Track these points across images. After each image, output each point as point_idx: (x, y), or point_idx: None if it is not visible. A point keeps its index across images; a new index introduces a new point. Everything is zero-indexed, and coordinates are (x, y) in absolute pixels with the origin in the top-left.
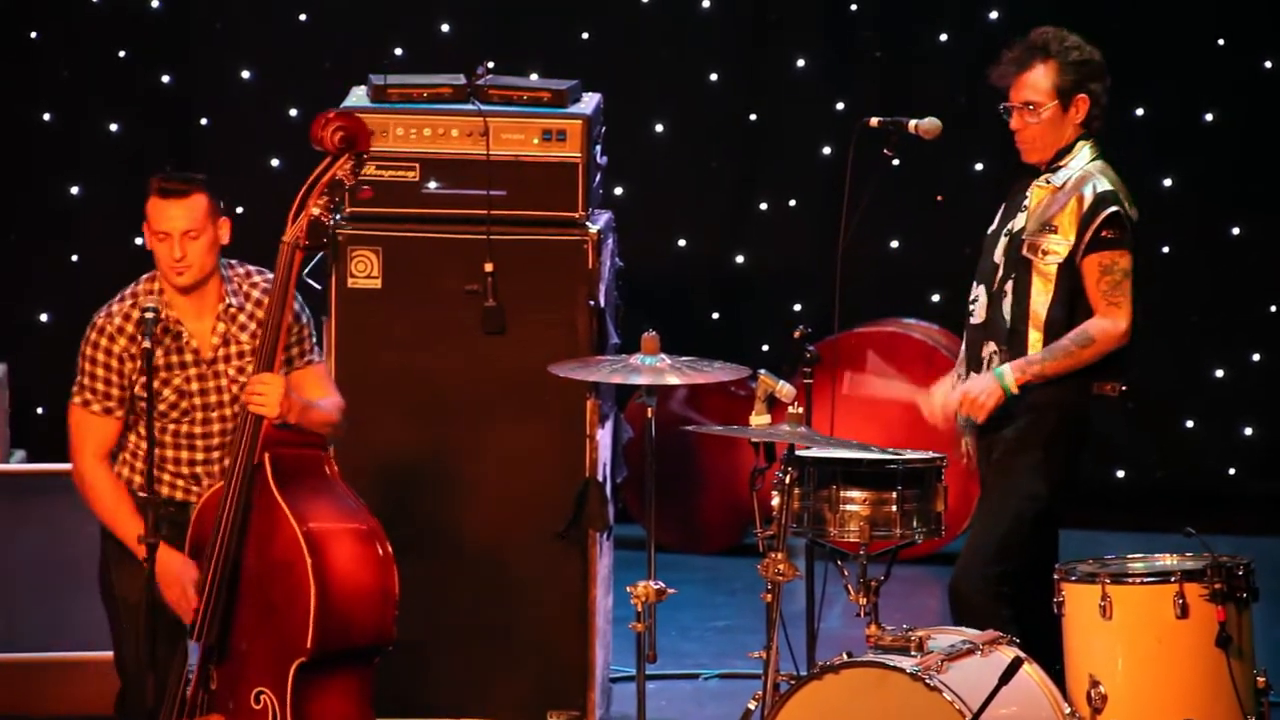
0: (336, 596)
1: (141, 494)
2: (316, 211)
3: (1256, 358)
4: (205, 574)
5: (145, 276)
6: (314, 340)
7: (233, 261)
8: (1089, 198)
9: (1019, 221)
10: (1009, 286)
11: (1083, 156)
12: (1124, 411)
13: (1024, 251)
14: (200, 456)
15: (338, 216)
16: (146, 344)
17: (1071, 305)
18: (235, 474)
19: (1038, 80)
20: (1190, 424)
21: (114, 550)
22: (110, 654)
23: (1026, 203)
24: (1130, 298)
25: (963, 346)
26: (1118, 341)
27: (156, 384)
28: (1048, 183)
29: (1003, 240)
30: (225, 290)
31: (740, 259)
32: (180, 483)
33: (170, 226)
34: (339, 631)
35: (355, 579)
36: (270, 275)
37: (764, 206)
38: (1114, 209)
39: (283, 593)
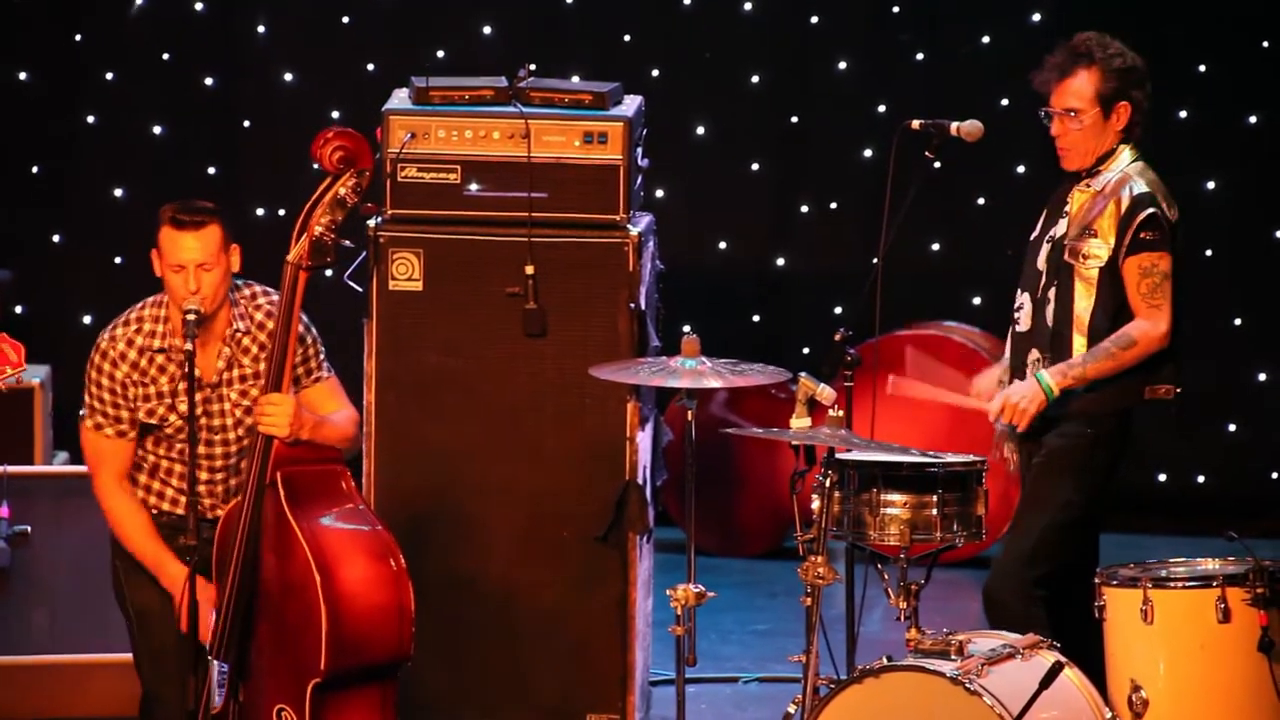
0: (349, 616)
1: (155, 510)
2: (319, 231)
3: None
4: (223, 592)
5: (152, 301)
6: (321, 358)
7: (240, 283)
8: (1126, 200)
9: (1061, 227)
10: (1052, 293)
11: (1122, 160)
12: (1168, 415)
13: (1066, 257)
14: (204, 476)
15: (370, 222)
16: (189, 346)
17: (1114, 309)
18: (248, 494)
19: (1080, 87)
20: (1233, 428)
21: (125, 562)
22: None
23: (1068, 208)
24: (1170, 300)
25: (1007, 353)
26: (1159, 343)
27: (163, 410)
28: (1088, 187)
29: (1045, 247)
30: (233, 315)
31: (781, 262)
32: (183, 499)
33: (184, 259)
34: (353, 650)
35: (368, 598)
36: (275, 295)
37: (805, 209)
38: (1151, 210)
39: (297, 613)
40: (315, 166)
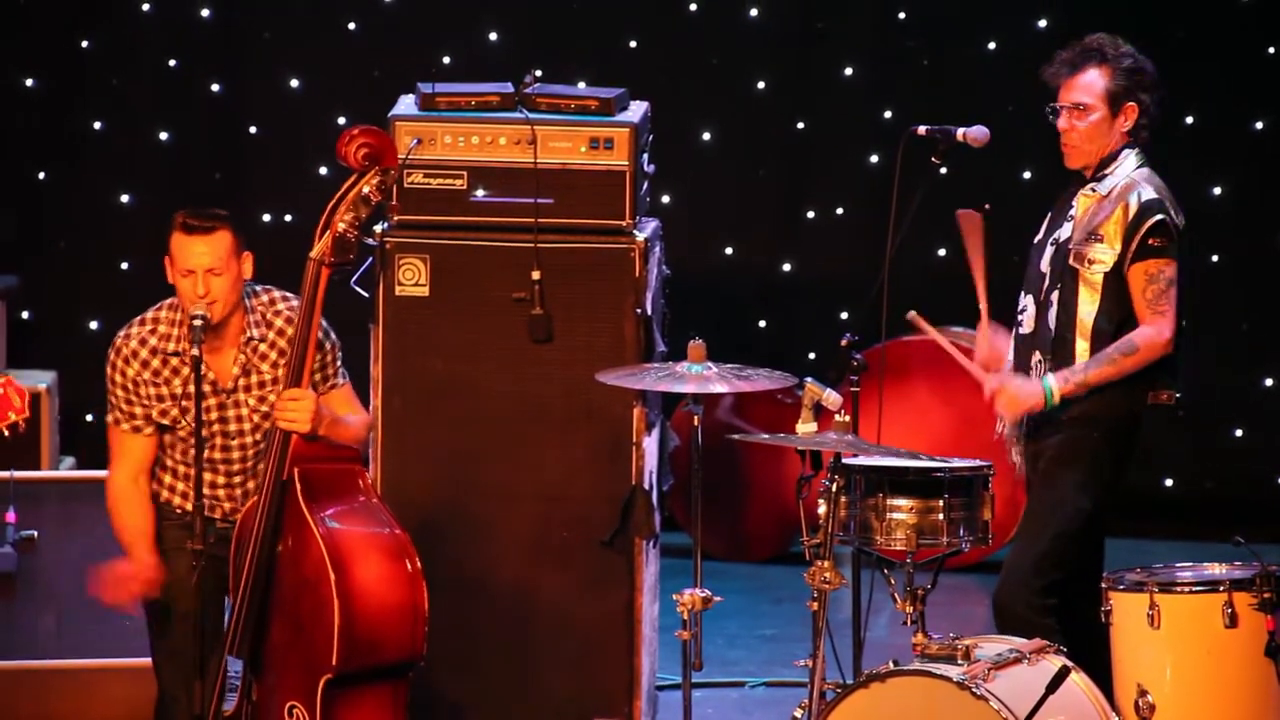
0: (362, 614)
1: (179, 510)
2: (342, 228)
3: None
4: (238, 588)
5: (167, 304)
6: (339, 364)
7: (258, 288)
8: (1134, 206)
9: (1065, 230)
10: (1055, 296)
11: (1128, 164)
12: (1175, 420)
13: (1070, 261)
14: (222, 480)
15: (376, 228)
16: (195, 352)
17: (1120, 315)
18: (265, 489)
19: (1090, 83)
20: (1239, 433)
21: None
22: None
23: (1073, 212)
24: (1175, 306)
25: (1010, 355)
26: (1162, 350)
27: (175, 412)
28: (1093, 191)
29: (1049, 249)
30: (247, 321)
31: (787, 267)
32: (203, 501)
33: (194, 264)
34: (365, 649)
35: (382, 596)
36: (295, 300)
37: (811, 215)
38: (1160, 217)
39: (310, 609)
40: (324, 172)
